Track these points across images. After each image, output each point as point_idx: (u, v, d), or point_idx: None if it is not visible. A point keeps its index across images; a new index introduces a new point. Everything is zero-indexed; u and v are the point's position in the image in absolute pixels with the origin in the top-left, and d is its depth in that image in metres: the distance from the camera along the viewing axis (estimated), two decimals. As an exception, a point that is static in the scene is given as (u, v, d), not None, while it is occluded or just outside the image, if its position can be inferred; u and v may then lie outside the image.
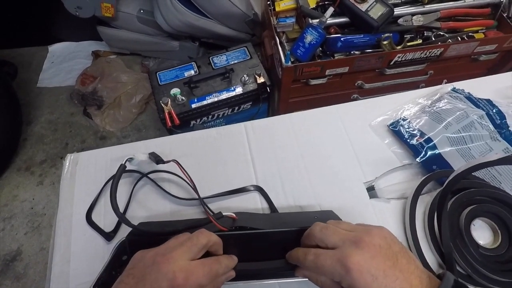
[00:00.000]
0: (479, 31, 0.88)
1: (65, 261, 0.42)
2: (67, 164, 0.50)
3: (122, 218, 0.38)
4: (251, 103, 1.04)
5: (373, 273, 0.27)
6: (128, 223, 0.37)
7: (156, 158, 0.45)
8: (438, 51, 0.85)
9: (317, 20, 0.81)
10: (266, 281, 0.37)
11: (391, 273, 0.27)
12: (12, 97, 1.21)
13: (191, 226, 0.37)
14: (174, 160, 0.43)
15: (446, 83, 0.56)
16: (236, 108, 1.03)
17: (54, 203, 1.19)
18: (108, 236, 0.43)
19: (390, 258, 0.28)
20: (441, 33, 0.86)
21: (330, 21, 0.82)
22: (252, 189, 0.46)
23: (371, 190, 0.46)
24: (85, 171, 0.49)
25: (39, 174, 1.25)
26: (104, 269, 0.37)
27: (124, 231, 0.43)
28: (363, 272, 0.27)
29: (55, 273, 0.41)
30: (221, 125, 0.53)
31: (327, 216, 0.41)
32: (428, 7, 0.84)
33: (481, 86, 0.55)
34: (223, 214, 0.38)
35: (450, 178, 0.38)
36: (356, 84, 0.96)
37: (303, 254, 0.32)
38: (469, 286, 0.36)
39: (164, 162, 0.45)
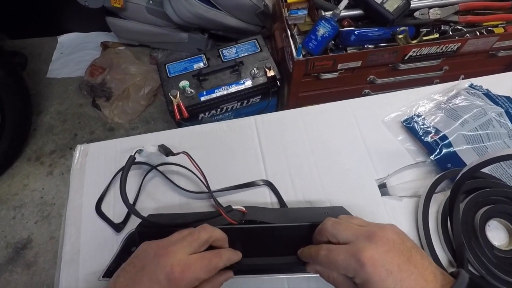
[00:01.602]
0: (499, 26, 0.85)
1: (75, 250, 0.42)
2: (77, 155, 0.50)
3: (131, 209, 0.38)
4: (260, 96, 1.03)
5: (387, 268, 0.26)
6: (138, 214, 0.37)
7: (165, 151, 0.45)
8: (455, 46, 0.83)
9: (330, 13, 0.79)
10: (275, 276, 0.37)
11: (406, 268, 0.27)
12: (22, 87, 1.22)
13: (200, 219, 0.37)
14: (184, 152, 0.43)
15: (462, 78, 0.55)
16: (245, 101, 1.02)
17: (63, 193, 1.22)
18: (117, 227, 0.43)
19: (404, 253, 0.28)
20: (459, 27, 0.83)
21: (344, 13, 0.80)
22: (262, 183, 0.45)
23: (383, 188, 0.45)
24: (95, 162, 0.49)
25: (49, 164, 1.27)
26: (113, 259, 0.38)
27: (133, 222, 0.43)
28: (378, 267, 0.26)
29: (66, 262, 0.41)
30: (230, 119, 0.52)
31: (338, 212, 0.40)
32: (446, 0, 0.81)
33: (500, 83, 0.53)
34: (233, 207, 0.38)
35: (464, 171, 0.36)
36: (368, 79, 0.95)
37: (316, 250, 0.32)
38: (503, 277, 0.35)
39: (174, 154, 0.44)
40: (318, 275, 0.33)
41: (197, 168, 0.42)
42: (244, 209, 0.38)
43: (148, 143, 0.47)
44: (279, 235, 0.37)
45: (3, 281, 1.05)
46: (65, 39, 1.59)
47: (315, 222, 0.35)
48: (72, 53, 1.54)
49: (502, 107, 0.47)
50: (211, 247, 0.33)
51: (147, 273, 0.29)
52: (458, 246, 0.36)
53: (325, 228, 0.32)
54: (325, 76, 0.89)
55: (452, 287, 0.26)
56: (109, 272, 0.37)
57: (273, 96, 1.03)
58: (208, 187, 0.41)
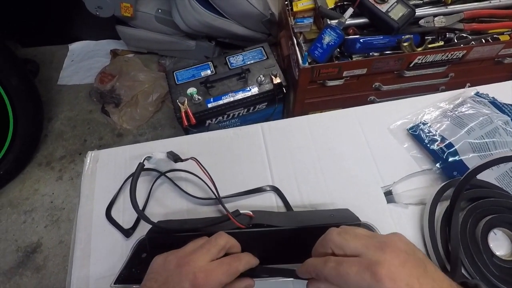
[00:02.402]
0: (505, 33, 0.85)
1: (85, 255, 0.43)
2: (88, 161, 0.51)
3: (141, 215, 0.39)
4: (266, 103, 1.04)
5: (407, 282, 0.24)
6: (148, 220, 0.38)
7: (174, 157, 0.46)
8: (460, 53, 0.83)
9: (336, 21, 0.80)
10: (281, 279, 0.37)
11: (425, 282, 0.25)
12: (34, 94, 1.26)
13: (209, 224, 0.38)
14: (193, 158, 0.44)
15: (469, 86, 0.55)
16: (252, 108, 1.04)
17: (73, 197, 1.24)
18: (127, 233, 0.44)
19: (419, 265, 0.26)
20: (464, 34, 0.84)
21: (349, 21, 0.81)
22: (268, 189, 0.46)
23: (388, 195, 0.46)
24: (105, 168, 0.50)
25: (59, 169, 1.30)
26: (125, 266, 0.38)
27: (143, 228, 0.44)
28: (397, 281, 0.24)
29: (76, 266, 0.42)
30: (236, 125, 0.53)
31: (344, 214, 0.40)
32: (451, 8, 0.82)
33: (507, 90, 0.53)
34: (240, 212, 0.38)
35: (466, 174, 0.37)
36: (373, 86, 0.95)
37: (322, 262, 0.28)
38: (498, 285, 0.35)
39: (182, 160, 0.45)
40: None
41: (206, 174, 0.43)
42: (251, 213, 0.39)
43: (156, 150, 0.48)
44: (287, 238, 0.37)
45: (13, 284, 1.07)
46: (76, 47, 1.63)
47: (321, 225, 0.36)
48: (82, 61, 1.58)
49: (508, 115, 0.47)
50: (226, 255, 0.34)
51: (172, 285, 0.29)
52: (453, 249, 0.36)
53: (330, 239, 0.29)
54: (331, 83, 0.90)
55: None
56: (121, 279, 0.38)
57: (279, 102, 1.04)
58: (217, 192, 0.42)
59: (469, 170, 0.37)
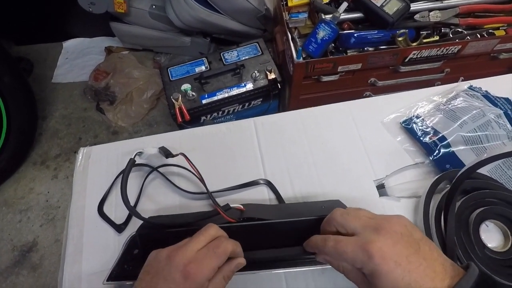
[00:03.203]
0: (500, 28, 0.84)
1: (77, 251, 0.43)
2: (80, 157, 0.51)
3: (132, 211, 0.38)
4: (261, 99, 1.04)
5: (396, 259, 0.27)
6: (139, 216, 0.38)
7: (165, 152, 0.46)
8: (455, 48, 0.83)
9: (330, 16, 0.80)
10: (276, 271, 0.37)
11: (415, 259, 0.27)
12: (28, 92, 1.24)
13: (199, 218, 0.37)
14: (181, 154, 0.44)
15: (463, 81, 0.55)
16: (247, 104, 1.03)
17: (68, 196, 1.21)
18: (119, 228, 0.43)
19: (412, 245, 0.28)
20: (459, 29, 0.84)
21: (344, 16, 0.81)
22: (261, 182, 0.46)
23: (381, 188, 0.46)
24: (97, 164, 0.50)
25: (54, 168, 1.29)
26: (117, 263, 0.38)
27: (135, 223, 0.44)
28: (386, 258, 0.27)
29: (68, 262, 0.42)
30: (231, 121, 0.53)
31: (335, 205, 0.40)
32: (446, 3, 0.82)
33: (500, 84, 0.53)
34: (231, 206, 0.38)
35: (466, 168, 0.37)
36: (369, 82, 0.95)
37: (323, 240, 0.32)
38: (495, 278, 0.35)
39: (173, 156, 0.45)
40: (314, 268, 0.34)
41: (193, 169, 0.42)
42: (242, 207, 0.38)
43: (149, 145, 0.48)
44: (278, 231, 0.37)
45: (10, 283, 1.07)
46: (70, 45, 1.61)
47: (313, 217, 0.36)
48: (77, 58, 1.56)
49: (501, 108, 0.47)
50: None
51: (162, 276, 0.30)
52: (449, 242, 0.37)
53: (334, 218, 0.32)
54: (326, 78, 0.90)
55: (461, 279, 0.26)
56: (113, 276, 0.37)
57: (274, 98, 1.04)
58: (206, 186, 0.42)
59: (468, 165, 0.36)
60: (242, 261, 0.34)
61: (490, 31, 0.84)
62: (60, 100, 1.46)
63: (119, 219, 0.44)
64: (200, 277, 0.29)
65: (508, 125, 0.45)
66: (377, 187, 0.45)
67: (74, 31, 1.60)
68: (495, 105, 0.48)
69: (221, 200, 0.44)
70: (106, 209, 0.46)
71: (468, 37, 0.83)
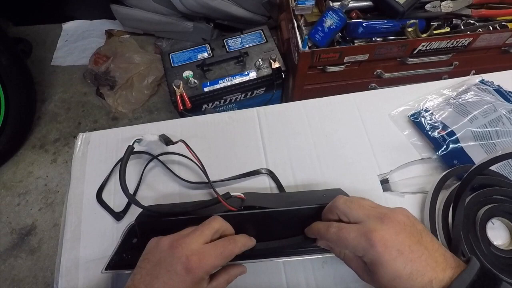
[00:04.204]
0: (513, 20, 0.82)
1: (75, 238, 0.42)
2: (79, 143, 0.50)
3: (131, 198, 0.38)
4: (264, 88, 1.02)
5: (398, 248, 0.27)
6: (138, 204, 0.37)
7: (165, 140, 0.44)
8: (466, 40, 0.80)
9: (339, 3, 0.77)
10: (275, 259, 0.37)
11: (417, 249, 0.27)
12: (26, 74, 1.22)
13: (199, 207, 0.37)
14: (181, 140, 0.43)
15: (473, 74, 0.53)
16: (249, 93, 1.01)
17: (67, 181, 1.21)
18: (118, 216, 0.43)
19: (414, 235, 0.28)
20: (471, 21, 0.81)
21: (352, 4, 0.78)
22: (263, 171, 0.45)
23: (385, 183, 0.45)
24: (97, 150, 0.49)
25: (53, 152, 1.28)
26: (115, 252, 0.37)
27: (134, 211, 0.43)
28: (388, 247, 0.27)
29: (66, 249, 0.42)
30: (233, 110, 0.51)
31: (336, 194, 0.40)
32: (459, -8, 0.79)
33: (513, 79, 0.52)
34: (231, 194, 0.37)
35: (475, 166, 0.36)
36: (374, 73, 0.93)
37: (325, 226, 0.31)
38: (496, 273, 0.34)
39: (173, 143, 0.44)
40: (314, 258, 0.34)
41: (194, 156, 0.41)
42: (242, 195, 0.38)
43: (149, 132, 0.46)
44: (279, 220, 0.36)
45: (8, 266, 1.07)
46: (70, 27, 1.58)
47: (315, 205, 0.35)
48: (77, 41, 1.53)
49: (513, 103, 0.46)
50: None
51: (164, 266, 0.29)
52: (455, 238, 0.36)
53: (337, 206, 0.32)
54: (331, 69, 0.88)
55: (463, 271, 0.26)
56: (111, 265, 0.37)
57: (278, 88, 1.02)
58: (206, 174, 0.41)
59: (481, 161, 0.36)
60: (244, 270, 0.35)
61: (503, 23, 0.82)
62: (60, 83, 1.43)
63: (118, 207, 0.44)
64: (201, 271, 0.29)
65: (520, 121, 0.44)
66: (381, 181, 0.44)
67: (74, 13, 1.56)
68: (508, 100, 0.47)
69: (222, 190, 0.43)
70: (105, 196, 0.45)
71: (479, 29, 0.81)
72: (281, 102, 1.13)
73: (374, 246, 0.27)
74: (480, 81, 0.51)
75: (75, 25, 1.58)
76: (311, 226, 0.34)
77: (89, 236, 0.42)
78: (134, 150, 0.43)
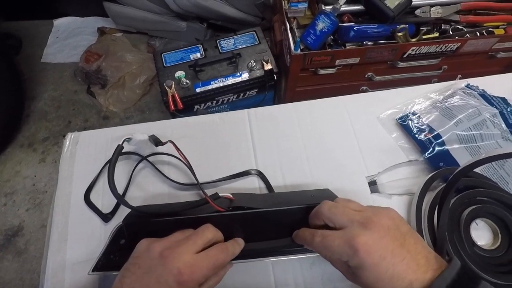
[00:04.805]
0: (500, 27, 0.84)
1: (62, 239, 0.42)
2: (68, 143, 0.49)
3: (119, 199, 0.37)
4: (257, 90, 1.02)
5: (381, 253, 0.27)
6: (125, 203, 0.37)
7: (155, 141, 0.44)
8: (454, 45, 0.82)
9: (331, 7, 0.78)
10: (263, 259, 0.37)
11: (399, 253, 0.27)
12: (14, 71, 1.20)
13: (187, 207, 0.37)
14: (170, 141, 0.43)
15: (460, 78, 0.54)
16: (242, 94, 1.02)
17: (56, 181, 1.19)
18: (106, 218, 0.42)
19: (398, 239, 0.28)
20: (459, 26, 0.83)
21: (344, 8, 0.79)
22: (252, 172, 0.45)
23: (372, 185, 0.45)
24: (86, 150, 0.48)
25: (42, 151, 1.26)
26: (103, 253, 0.37)
27: (122, 213, 0.42)
28: (371, 253, 0.27)
29: (52, 251, 0.41)
30: (225, 111, 0.51)
31: (324, 194, 0.40)
32: (449, -2, 0.81)
33: (497, 84, 0.53)
34: (220, 195, 0.37)
35: (460, 168, 0.37)
36: (366, 76, 0.94)
37: (310, 235, 0.32)
38: (477, 272, 0.35)
39: (162, 144, 0.44)
40: (302, 258, 0.34)
41: (182, 157, 0.41)
42: (231, 196, 0.38)
43: (139, 133, 0.46)
44: (267, 220, 0.37)
45: (-6, 267, 1.05)
46: (61, 23, 1.55)
47: (303, 206, 0.36)
48: (68, 38, 1.51)
49: (496, 108, 0.47)
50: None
51: (154, 276, 0.29)
52: (440, 238, 0.37)
53: (322, 212, 0.32)
54: (323, 71, 0.88)
55: (443, 271, 0.26)
56: (99, 267, 0.36)
57: (270, 90, 1.02)
58: (194, 175, 0.41)
59: (466, 163, 0.36)
60: (231, 265, 0.35)
61: (489, 29, 0.84)
62: (50, 81, 1.41)
63: (106, 208, 0.43)
64: (193, 284, 0.29)
65: (503, 125, 0.45)
66: (369, 183, 0.45)
67: (65, 9, 1.54)
68: (491, 104, 0.48)
69: (211, 191, 0.43)
70: (93, 197, 0.44)
71: (467, 34, 0.83)
72: (273, 103, 1.14)
73: (357, 252, 0.27)
74: (465, 86, 0.52)
75: (67, 22, 1.56)
76: (297, 233, 0.34)
77: (76, 238, 0.42)
78: (124, 150, 0.43)
